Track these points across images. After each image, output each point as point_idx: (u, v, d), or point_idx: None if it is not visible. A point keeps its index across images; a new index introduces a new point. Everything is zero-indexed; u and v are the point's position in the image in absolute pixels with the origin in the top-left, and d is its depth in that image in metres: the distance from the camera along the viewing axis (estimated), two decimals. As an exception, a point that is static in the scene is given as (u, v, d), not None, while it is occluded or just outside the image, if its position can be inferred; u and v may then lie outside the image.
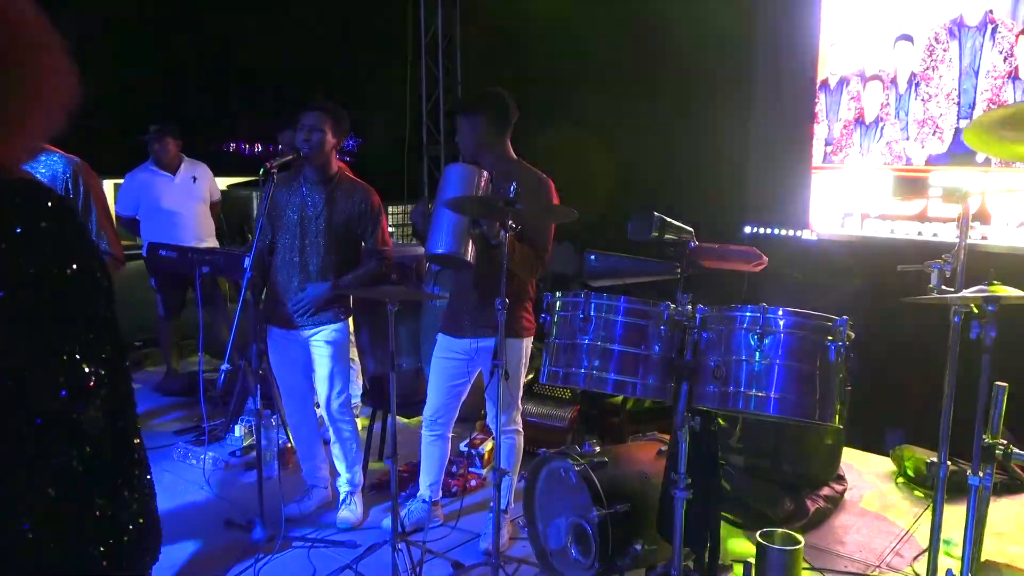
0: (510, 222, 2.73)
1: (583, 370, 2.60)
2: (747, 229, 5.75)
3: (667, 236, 2.46)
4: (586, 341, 2.59)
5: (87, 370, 1.14)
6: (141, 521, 1.41)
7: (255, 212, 10.94)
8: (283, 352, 3.49)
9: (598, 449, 2.97)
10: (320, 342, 3.42)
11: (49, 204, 1.13)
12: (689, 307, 2.51)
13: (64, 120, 1.24)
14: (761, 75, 5.76)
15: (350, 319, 3.57)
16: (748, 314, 2.40)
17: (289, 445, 4.04)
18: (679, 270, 2.52)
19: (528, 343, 3.33)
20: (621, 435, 4.09)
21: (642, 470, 2.93)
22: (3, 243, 1.08)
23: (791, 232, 5.57)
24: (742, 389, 2.40)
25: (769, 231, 5.68)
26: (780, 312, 2.38)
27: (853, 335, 2.41)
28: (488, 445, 4.09)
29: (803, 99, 5.48)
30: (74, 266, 1.14)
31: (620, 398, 4.28)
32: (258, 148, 16.84)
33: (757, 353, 2.37)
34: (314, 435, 3.65)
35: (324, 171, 3.38)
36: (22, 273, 1.09)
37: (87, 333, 1.15)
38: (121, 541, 1.36)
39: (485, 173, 2.99)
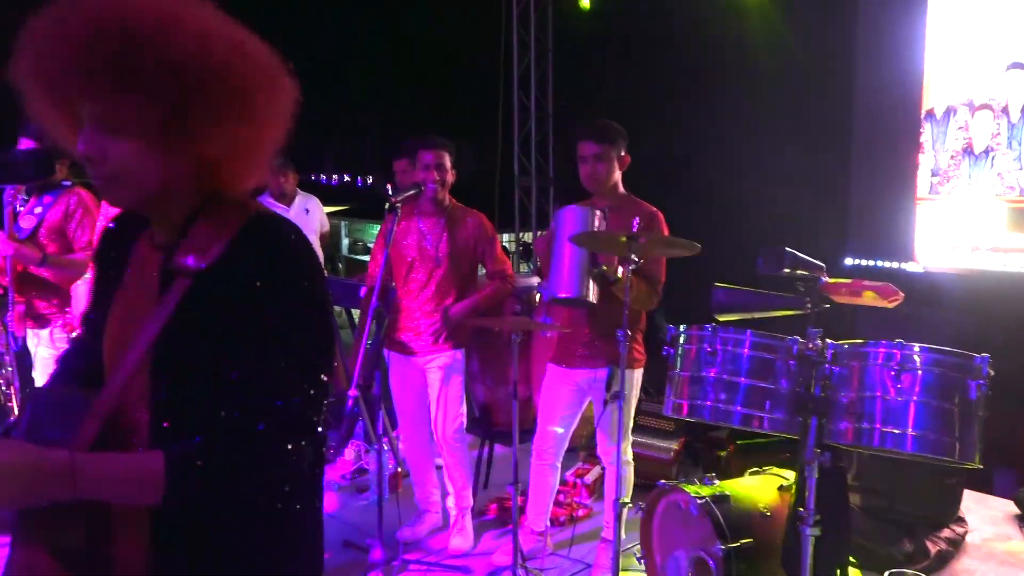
0: (632, 256, 2.78)
1: (708, 403, 2.61)
2: (848, 261, 5.65)
3: (798, 271, 2.47)
4: (712, 374, 2.61)
5: (324, 378, 1.24)
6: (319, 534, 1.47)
7: (344, 241, 11.27)
8: (402, 378, 3.61)
9: (718, 483, 2.96)
10: (437, 368, 3.52)
11: (290, 233, 1.23)
12: (819, 342, 2.50)
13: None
14: (863, 104, 5.68)
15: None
16: (883, 350, 2.39)
17: (399, 470, 4.14)
18: (809, 305, 2.51)
19: (639, 374, 3.36)
20: (728, 469, 4.05)
21: (764, 505, 2.91)
22: (267, 267, 1.18)
23: (895, 264, 5.45)
24: (877, 425, 2.38)
25: (872, 263, 5.57)
26: (917, 348, 2.36)
27: (993, 373, 2.36)
28: (594, 475, 4.11)
29: (907, 129, 5.38)
30: (313, 283, 1.23)
31: (726, 432, 4.25)
32: (345, 178, 17.36)
33: (893, 389, 2.35)
34: (428, 460, 3.74)
35: (441, 203, 3.51)
36: (276, 294, 1.18)
37: (329, 350, 1.25)
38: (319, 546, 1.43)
39: (599, 212, 3.05)
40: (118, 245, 1.36)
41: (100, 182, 1.20)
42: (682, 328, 2.71)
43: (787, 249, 2.44)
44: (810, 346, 2.50)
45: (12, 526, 1.18)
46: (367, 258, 9.48)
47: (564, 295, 2.97)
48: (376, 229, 9.62)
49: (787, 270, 2.45)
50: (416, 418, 3.67)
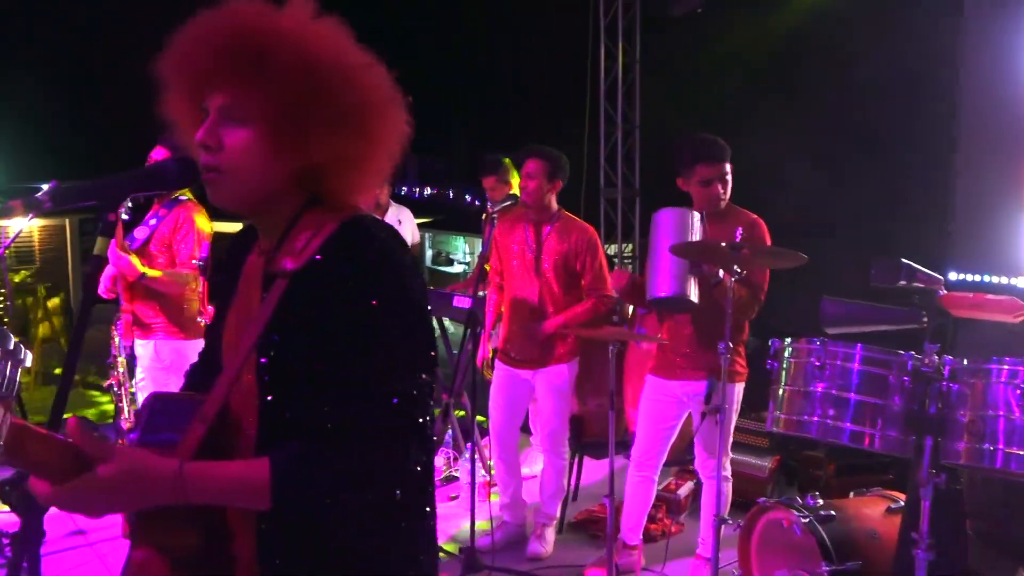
0: (735, 267, 2.73)
1: (816, 418, 2.55)
2: (952, 275, 5.40)
3: (915, 284, 2.38)
4: (820, 389, 2.54)
5: (425, 378, 1.24)
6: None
7: (428, 252, 11.44)
8: (498, 386, 3.65)
9: (821, 502, 2.87)
10: (545, 378, 3.55)
11: (382, 232, 1.25)
12: (936, 357, 2.41)
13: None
14: (967, 109, 5.43)
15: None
16: (1008, 367, 2.28)
17: (489, 478, 4.15)
18: (925, 319, 2.42)
19: (741, 388, 3.29)
20: (828, 489, 3.92)
21: (871, 527, 2.81)
22: (357, 264, 1.20)
23: (1004, 279, 5.18)
24: (1000, 446, 2.27)
25: (978, 278, 5.31)
26: (1045, 366, 2.24)
27: None
28: (685, 490, 4.03)
29: (1018, 135, 5.12)
30: (405, 282, 1.23)
31: (823, 450, 4.12)
32: (427, 191, 17.64)
33: (1019, 409, 2.24)
34: (515, 469, 3.76)
35: (544, 213, 3.55)
36: (367, 291, 1.19)
37: (429, 349, 1.26)
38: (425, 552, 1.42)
39: (697, 214, 3.01)
40: (233, 259, 1.42)
41: (211, 175, 1.24)
42: (787, 341, 2.65)
43: (903, 260, 2.36)
44: (926, 362, 2.40)
45: (131, 528, 1.22)
46: (450, 269, 9.62)
47: (664, 294, 2.92)
48: (459, 241, 9.75)
49: (903, 282, 2.36)
50: (504, 427, 3.68)
